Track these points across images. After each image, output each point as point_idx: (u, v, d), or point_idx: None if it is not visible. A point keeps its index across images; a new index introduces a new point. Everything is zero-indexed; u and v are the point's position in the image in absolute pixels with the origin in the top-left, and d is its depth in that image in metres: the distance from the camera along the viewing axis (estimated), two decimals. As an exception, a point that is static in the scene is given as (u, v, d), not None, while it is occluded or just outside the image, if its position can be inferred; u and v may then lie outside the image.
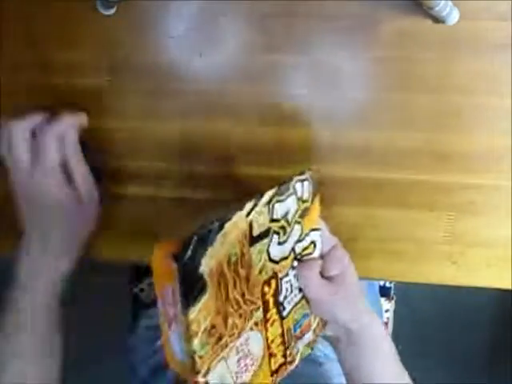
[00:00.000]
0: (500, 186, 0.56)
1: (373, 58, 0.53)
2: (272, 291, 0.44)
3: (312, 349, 0.51)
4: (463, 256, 0.59)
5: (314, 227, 0.48)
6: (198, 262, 0.36)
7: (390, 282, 0.96)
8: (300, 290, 0.47)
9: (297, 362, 0.48)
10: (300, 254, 0.47)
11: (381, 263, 0.60)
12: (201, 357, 0.37)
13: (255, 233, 0.41)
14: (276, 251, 0.44)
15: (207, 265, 0.37)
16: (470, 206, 0.57)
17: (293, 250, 0.46)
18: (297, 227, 0.46)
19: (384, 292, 0.96)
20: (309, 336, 0.49)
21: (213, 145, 0.57)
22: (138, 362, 0.70)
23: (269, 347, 0.45)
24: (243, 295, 0.41)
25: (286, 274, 0.46)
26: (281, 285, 0.45)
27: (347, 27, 0.52)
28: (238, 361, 0.42)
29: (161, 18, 0.53)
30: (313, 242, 0.48)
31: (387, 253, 0.60)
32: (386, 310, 0.98)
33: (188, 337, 0.36)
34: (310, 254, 0.48)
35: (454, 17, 0.50)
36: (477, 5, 0.50)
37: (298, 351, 0.48)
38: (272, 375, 0.46)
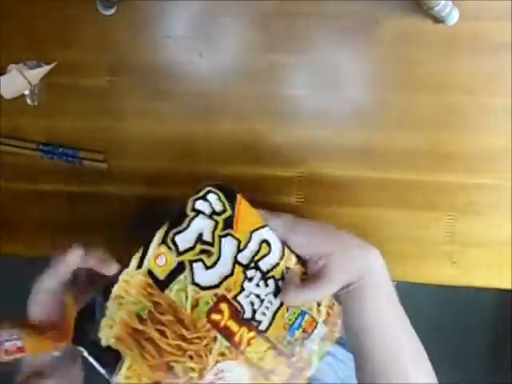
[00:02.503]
0: (500, 186, 0.56)
1: (373, 57, 0.53)
2: (227, 315, 0.42)
3: (334, 342, 0.45)
4: (463, 256, 0.59)
5: (254, 228, 0.44)
6: (94, 338, 0.38)
7: (390, 282, 0.95)
8: (275, 295, 0.44)
9: (314, 362, 0.44)
10: (252, 260, 0.43)
11: (381, 263, 0.60)
12: None
13: (161, 277, 0.41)
14: (208, 276, 0.42)
15: (110, 335, 0.39)
16: (470, 206, 0.57)
17: (236, 262, 0.43)
18: (227, 240, 0.43)
19: (384, 292, 0.95)
20: (320, 331, 0.45)
21: (213, 145, 0.57)
22: None
23: (259, 367, 0.43)
24: (183, 338, 0.41)
25: (241, 290, 0.43)
26: (239, 303, 0.43)
27: (347, 27, 0.52)
28: None
29: (161, 17, 0.53)
30: (264, 241, 0.44)
31: (387, 253, 0.60)
32: (386, 310, 0.98)
33: None
34: (267, 254, 0.44)
35: (453, 17, 0.50)
36: (477, 5, 0.50)
37: (311, 351, 0.44)
38: None
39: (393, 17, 0.52)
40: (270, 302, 0.44)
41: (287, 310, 0.44)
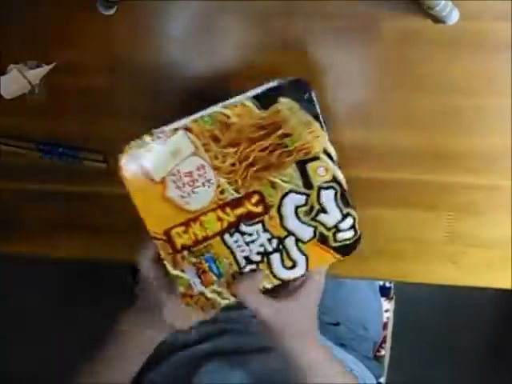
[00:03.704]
0: (500, 186, 0.56)
1: (373, 57, 0.53)
2: (252, 202, 0.46)
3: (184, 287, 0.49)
4: (463, 256, 0.59)
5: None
6: None
7: (390, 282, 0.96)
8: (247, 244, 0.48)
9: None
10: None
11: (381, 263, 0.60)
12: None
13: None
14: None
15: None
16: (471, 206, 0.57)
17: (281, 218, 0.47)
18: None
19: (384, 292, 0.96)
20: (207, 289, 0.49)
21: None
22: None
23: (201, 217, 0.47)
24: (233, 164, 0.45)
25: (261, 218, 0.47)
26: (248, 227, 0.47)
27: (347, 27, 0.52)
28: (198, 168, 0.46)
29: (161, 17, 0.53)
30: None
31: (387, 253, 0.60)
32: (386, 310, 0.98)
33: None
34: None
35: (454, 17, 0.50)
36: (477, 5, 0.50)
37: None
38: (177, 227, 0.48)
39: (393, 17, 0.52)
40: (252, 242, 0.47)
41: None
